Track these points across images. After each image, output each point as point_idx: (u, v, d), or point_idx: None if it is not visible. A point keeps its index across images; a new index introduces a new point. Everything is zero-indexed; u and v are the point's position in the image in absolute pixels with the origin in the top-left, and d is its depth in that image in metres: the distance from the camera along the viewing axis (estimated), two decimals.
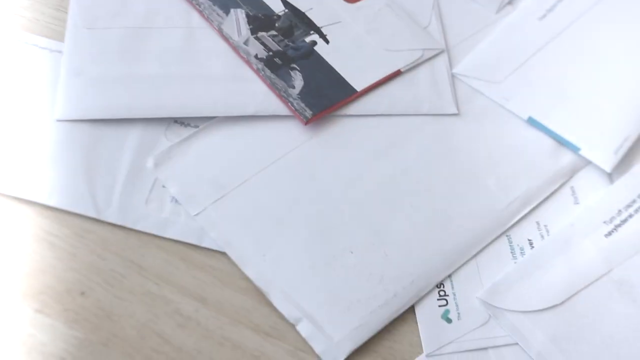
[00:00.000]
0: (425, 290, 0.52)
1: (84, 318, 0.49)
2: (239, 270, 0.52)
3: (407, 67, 0.61)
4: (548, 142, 0.59)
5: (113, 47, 0.58)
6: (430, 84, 0.60)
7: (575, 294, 0.52)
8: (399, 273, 0.52)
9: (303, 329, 0.50)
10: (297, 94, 0.57)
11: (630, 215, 0.55)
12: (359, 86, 0.59)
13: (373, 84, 0.59)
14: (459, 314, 0.52)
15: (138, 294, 0.50)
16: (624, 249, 0.53)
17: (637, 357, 0.49)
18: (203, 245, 0.52)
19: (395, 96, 0.59)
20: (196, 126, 0.57)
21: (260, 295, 0.51)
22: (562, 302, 0.52)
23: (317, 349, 0.50)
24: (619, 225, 0.55)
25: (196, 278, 0.52)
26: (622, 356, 0.49)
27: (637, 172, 0.57)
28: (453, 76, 0.62)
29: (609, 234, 0.54)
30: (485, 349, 0.51)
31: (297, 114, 0.56)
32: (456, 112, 0.60)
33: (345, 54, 0.60)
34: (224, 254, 0.52)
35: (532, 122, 0.59)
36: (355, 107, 0.59)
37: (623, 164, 0.57)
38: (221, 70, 0.58)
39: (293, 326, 0.50)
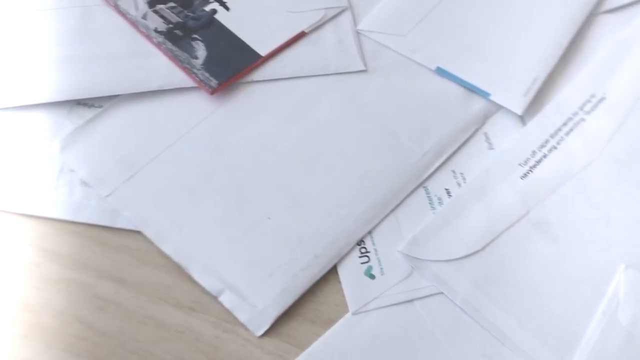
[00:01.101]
0: (346, 248, 0.53)
1: (0, 312, 0.48)
2: (156, 247, 0.52)
3: (310, 28, 0.61)
4: (458, 90, 0.60)
5: (6, 33, 0.56)
6: (336, 43, 0.60)
7: (496, 238, 0.54)
8: (319, 234, 0.53)
9: (226, 300, 0.51)
10: (201, 65, 0.57)
11: (545, 156, 0.56)
12: (263, 51, 0.59)
13: (277, 48, 0.59)
14: (381, 269, 0.52)
15: (54, 282, 0.51)
16: (540, 190, 0.55)
17: (559, 293, 0.51)
18: (117, 226, 0.53)
19: (301, 58, 0.60)
20: (100, 106, 0.56)
21: (180, 271, 0.51)
22: (483, 248, 0.53)
23: (242, 318, 0.50)
24: (533, 167, 0.56)
25: (113, 260, 0.52)
26: (544, 294, 0.52)
27: (548, 112, 0.59)
28: (358, 33, 0.62)
29: (525, 175, 0.56)
30: (410, 301, 0.52)
31: (202, 84, 0.57)
32: (364, 68, 0.60)
33: (247, 19, 0.60)
34: (139, 232, 0.52)
35: (440, 72, 0.60)
36: (261, 73, 0.59)
37: (534, 106, 0.59)
38: (121, 47, 0.58)
39: (216, 298, 0.51)
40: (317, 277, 0.52)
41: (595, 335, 0.50)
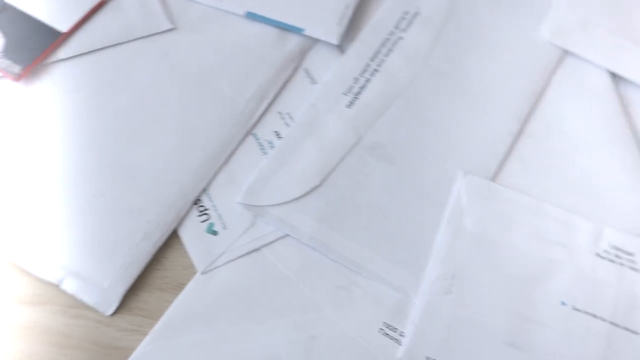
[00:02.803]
0: (183, 211, 0.54)
1: None
2: None
3: None
4: (272, 31, 0.61)
5: None
6: (139, 6, 0.61)
7: (332, 170, 0.55)
8: (152, 202, 0.54)
9: (68, 286, 0.51)
10: (1, 53, 0.56)
11: (367, 80, 0.59)
12: (64, 27, 0.58)
13: (79, 22, 0.59)
14: (223, 224, 0.54)
15: None
16: (368, 115, 0.58)
17: (403, 212, 0.54)
18: None
19: (105, 28, 0.60)
20: None
21: (15, 266, 0.51)
22: (322, 182, 0.55)
23: (89, 300, 0.51)
24: (358, 93, 0.58)
25: None
26: (389, 216, 0.54)
27: (365, 36, 0.61)
28: None
29: (351, 103, 0.58)
30: (258, 249, 0.54)
31: (5, 72, 0.56)
32: (172, 26, 0.61)
33: None
34: None
35: (250, 16, 0.61)
36: (66, 50, 0.59)
37: (350, 33, 0.61)
38: None
39: (57, 286, 0.51)
40: (159, 245, 0.53)
41: (444, 245, 0.53)
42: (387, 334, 0.51)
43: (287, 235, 0.54)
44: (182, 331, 0.50)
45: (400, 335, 0.49)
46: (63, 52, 0.58)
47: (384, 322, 0.51)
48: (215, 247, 0.53)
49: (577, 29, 0.60)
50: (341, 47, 0.61)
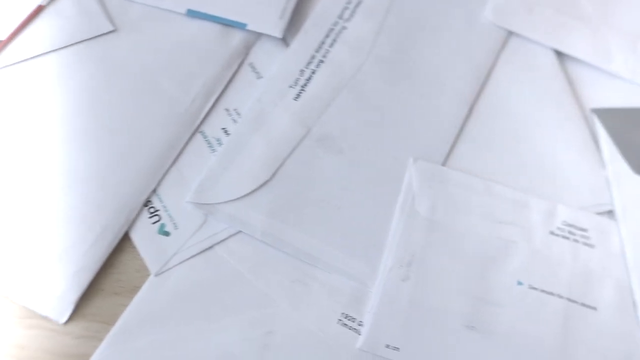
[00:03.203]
0: (133, 213, 0.54)
1: None
2: None
3: (47, 0, 0.60)
4: (214, 28, 0.61)
5: None
6: (77, 9, 0.60)
7: (282, 164, 0.56)
8: (102, 206, 0.54)
9: (18, 297, 0.51)
10: None
11: (313, 72, 0.59)
12: (1, 36, 0.58)
13: (16, 29, 0.59)
14: (174, 224, 0.54)
15: None
16: (316, 106, 0.58)
17: (355, 202, 0.55)
18: None
19: (44, 33, 0.59)
20: None
21: None
22: (272, 176, 0.55)
23: (42, 310, 0.50)
24: (304, 85, 0.59)
25: None
26: (342, 207, 0.55)
27: (309, 28, 0.61)
28: None
29: (297, 96, 0.58)
30: (211, 247, 0.54)
31: None
32: (112, 28, 0.61)
33: None
34: None
35: (192, 13, 0.61)
36: (6, 58, 0.58)
37: (294, 25, 0.62)
38: None
39: (7, 298, 0.51)
40: (111, 249, 0.53)
41: (398, 232, 0.54)
42: (345, 324, 0.51)
43: (240, 231, 0.54)
44: (138, 334, 0.50)
45: (359, 324, 0.49)
46: (2, 61, 0.58)
47: (342, 313, 0.52)
48: (167, 247, 0.53)
49: (520, 9, 0.61)
50: (285, 40, 0.61)
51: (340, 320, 0.51)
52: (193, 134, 0.58)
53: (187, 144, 0.57)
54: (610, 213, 0.57)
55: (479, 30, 0.63)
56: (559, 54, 0.62)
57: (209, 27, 0.62)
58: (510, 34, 0.63)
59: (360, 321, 0.51)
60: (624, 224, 0.56)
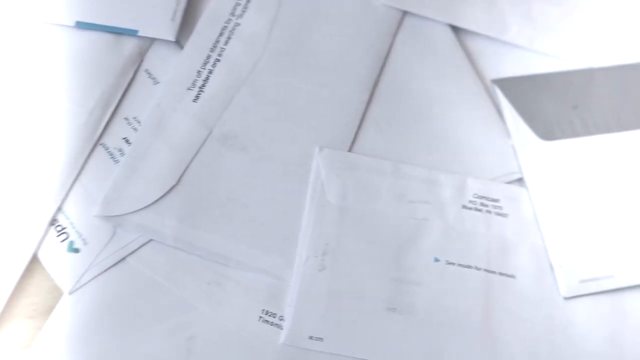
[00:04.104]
0: (39, 234, 0.54)
1: None
2: None
3: None
4: (106, 37, 0.62)
5: None
6: None
7: (187, 167, 0.57)
8: (4, 231, 0.54)
9: None
10: None
11: (210, 72, 0.60)
12: None
13: None
14: (83, 240, 0.54)
15: None
16: (215, 106, 0.59)
17: (264, 198, 0.57)
18: None
19: None
20: None
21: None
22: (178, 181, 0.56)
23: None
24: (202, 86, 0.60)
25: None
26: (250, 204, 0.57)
27: (201, 28, 0.62)
28: None
29: (196, 97, 0.59)
30: (123, 259, 0.55)
31: None
32: None
33: None
34: None
35: (81, 25, 0.61)
36: None
37: (186, 28, 0.62)
38: None
39: None
40: (20, 274, 0.53)
41: (310, 223, 0.55)
42: (267, 320, 0.53)
43: (152, 240, 0.54)
44: (56, 355, 0.50)
45: (281, 319, 0.52)
46: None
47: (262, 310, 0.53)
48: (78, 265, 0.54)
49: None
50: (179, 43, 0.61)
51: (261, 317, 0.53)
52: (94, 147, 0.58)
53: (88, 157, 0.57)
54: (520, 181, 0.59)
55: (373, 14, 0.64)
56: (456, 29, 0.64)
57: (100, 37, 0.62)
58: (405, 13, 0.65)
59: (281, 316, 0.53)
60: (533, 189, 0.58)
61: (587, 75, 0.63)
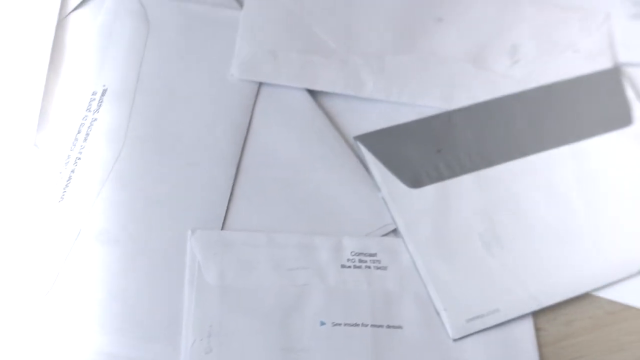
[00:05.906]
0: None
1: None
2: None
3: None
4: None
5: None
6: None
7: (60, 272, 0.58)
8: None
9: None
10: None
11: (72, 171, 0.63)
12: None
13: None
14: None
15: None
16: (82, 204, 0.62)
17: (142, 291, 0.60)
18: None
19: None
20: None
21: None
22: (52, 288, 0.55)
23: None
24: (65, 187, 0.62)
25: None
26: (128, 296, 0.59)
27: (56, 129, 0.65)
28: None
29: (62, 198, 0.62)
30: None
31: None
32: None
33: None
34: None
35: None
36: None
37: (41, 129, 0.65)
38: None
39: None
40: None
41: (191, 307, 0.57)
42: None
43: None
44: None
45: None
46: None
47: None
48: None
49: (264, 59, 0.67)
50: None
51: None
52: None
53: None
54: (395, 232, 0.62)
55: (230, 89, 0.67)
56: (314, 92, 0.68)
57: None
58: (261, 84, 0.67)
59: None
60: (408, 238, 0.61)
61: (446, 119, 0.67)
